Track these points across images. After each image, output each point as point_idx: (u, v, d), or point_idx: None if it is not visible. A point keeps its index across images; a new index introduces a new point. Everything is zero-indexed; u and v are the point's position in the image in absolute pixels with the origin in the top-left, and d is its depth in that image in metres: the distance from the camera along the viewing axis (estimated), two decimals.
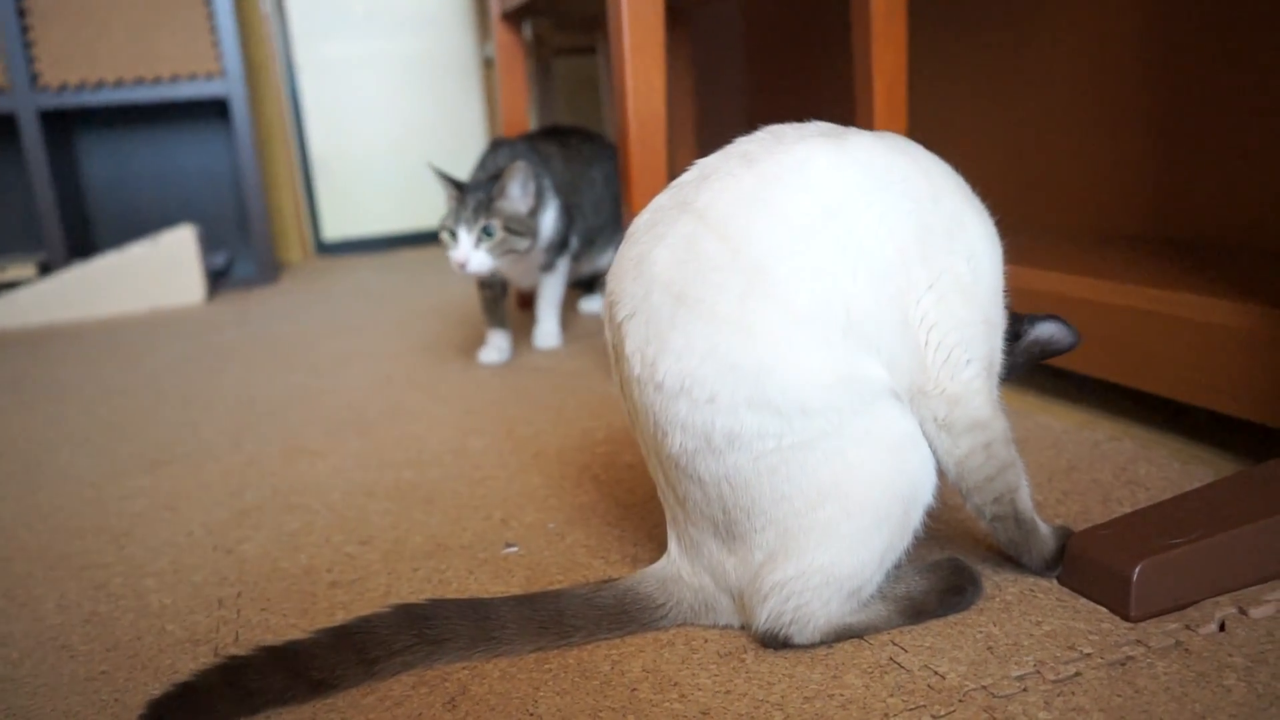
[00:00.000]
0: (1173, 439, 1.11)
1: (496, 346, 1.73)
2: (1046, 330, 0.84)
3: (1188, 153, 1.40)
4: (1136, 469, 1.02)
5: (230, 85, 2.76)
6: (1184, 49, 1.38)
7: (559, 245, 1.73)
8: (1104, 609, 0.76)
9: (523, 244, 1.57)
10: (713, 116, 2.65)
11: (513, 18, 2.07)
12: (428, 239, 3.51)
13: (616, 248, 1.87)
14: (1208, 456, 1.05)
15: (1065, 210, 1.62)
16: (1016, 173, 1.65)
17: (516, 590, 0.87)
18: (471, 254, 1.52)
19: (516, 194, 1.56)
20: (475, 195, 1.54)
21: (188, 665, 0.79)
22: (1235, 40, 1.31)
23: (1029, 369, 0.86)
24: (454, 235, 1.53)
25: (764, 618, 0.73)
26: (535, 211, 1.59)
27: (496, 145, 1.76)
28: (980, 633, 0.74)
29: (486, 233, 1.52)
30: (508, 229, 1.54)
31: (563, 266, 1.78)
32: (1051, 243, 1.48)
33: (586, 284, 2.14)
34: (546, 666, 0.74)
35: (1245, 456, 1.04)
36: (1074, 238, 1.52)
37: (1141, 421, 1.17)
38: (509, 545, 0.97)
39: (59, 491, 1.23)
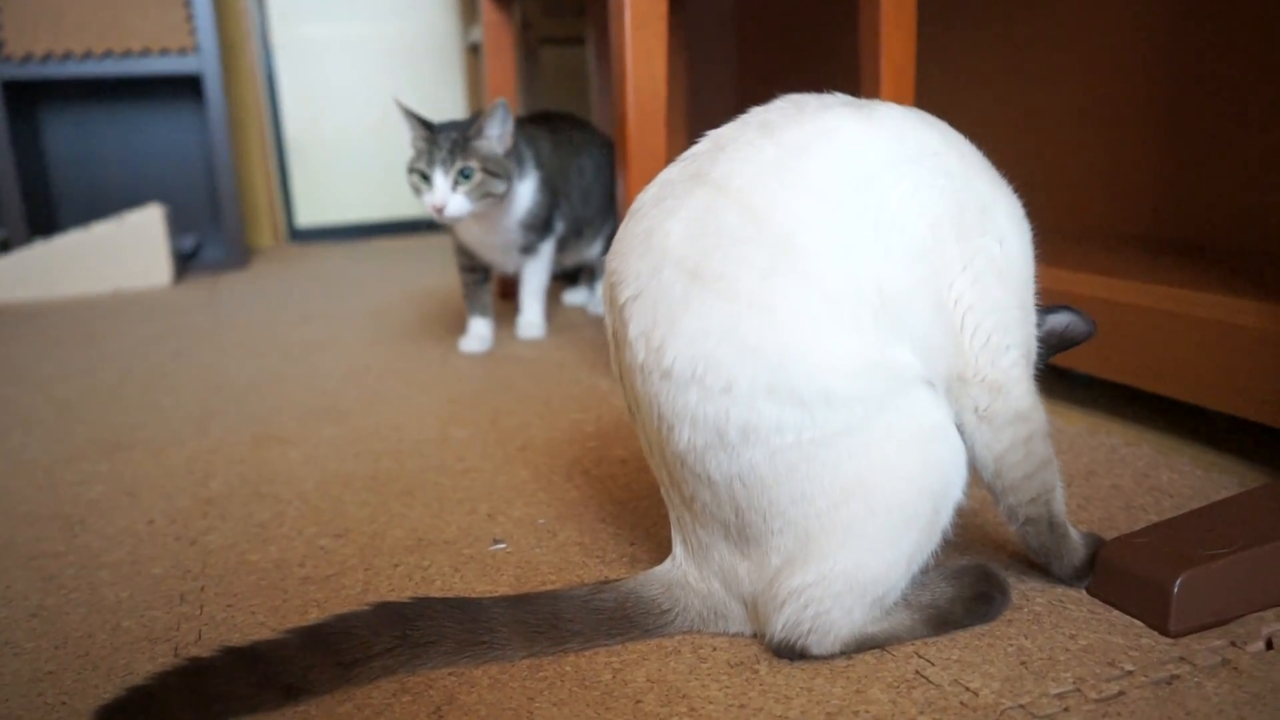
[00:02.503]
0: (1191, 444, 1.06)
1: (478, 335, 1.66)
2: (1061, 320, 0.79)
3: (1195, 151, 1.36)
4: (1158, 475, 0.98)
5: (204, 62, 2.66)
6: (1192, 46, 1.34)
7: (541, 225, 1.66)
8: (1140, 623, 0.71)
9: (500, 186, 1.49)
10: (704, 103, 2.60)
11: None
12: (404, 228, 3.42)
13: (605, 239, 1.83)
14: (1229, 463, 1.00)
15: (1070, 208, 1.58)
16: (1021, 169, 1.60)
17: (506, 590, 0.81)
18: (450, 197, 1.44)
19: (494, 133, 1.49)
20: (449, 135, 1.46)
21: (144, 666, 0.72)
22: (1244, 38, 1.27)
23: (1044, 362, 0.81)
24: (426, 178, 1.45)
25: (780, 626, 0.67)
26: (510, 153, 1.53)
27: None
28: (1011, 646, 0.69)
29: (464, 175, 1.45)
30: (486, 170, 1.47)
31: (546, 251, 1.71)
32: (1060, 240, 1.43)
33: (571, 276, 2.08)
34: (541, 674, 0.68)
35: (1269, 464, 1.00)
36: (1081, 236, 1.48)
37: (1155, 426, 1.12)
38: (497, 541, 0.90)
39: (9, 476, 1.15)
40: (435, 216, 1.46)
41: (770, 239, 0.63)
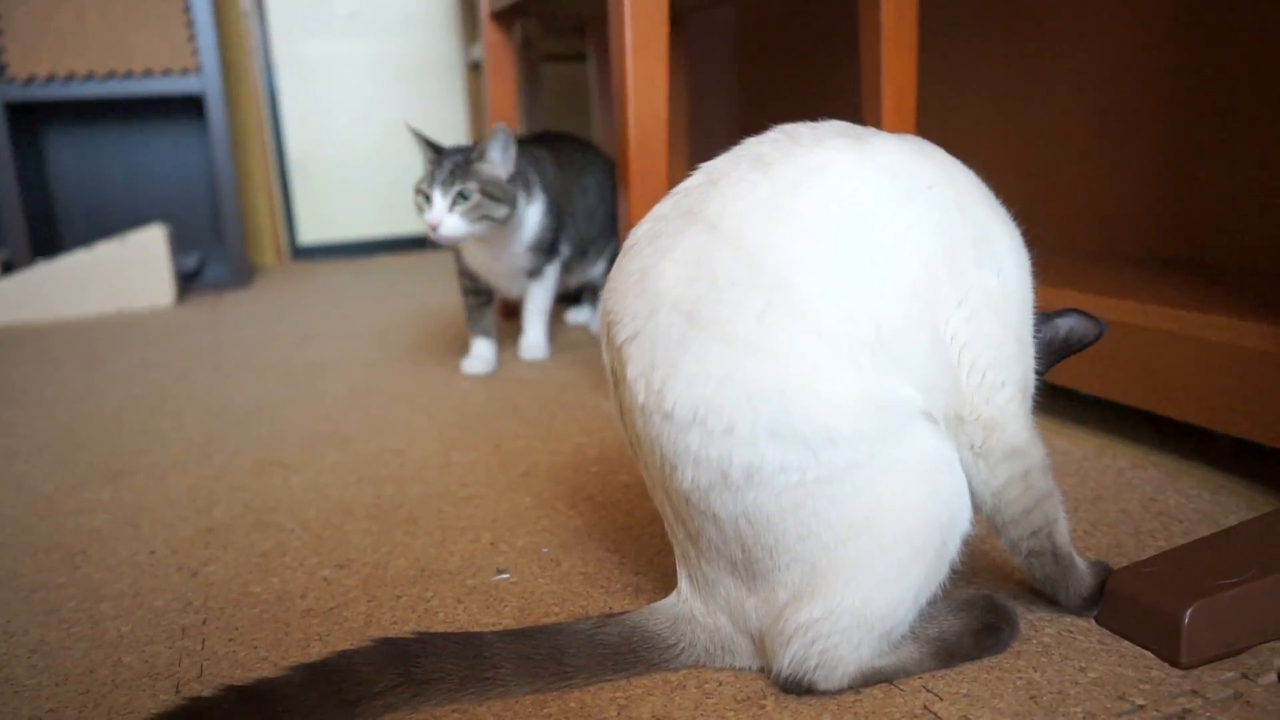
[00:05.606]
0: (1198, 467, 1.05)
1: (481, 357, 1.66)
2: (1067, 324, 0.77)
3: (1201, 170, 1.36)
4: (1165, 499, 0.97)
5: (206, 82, 2.67)
6: (1197, 64, 1.34)
7: (547, 249, 1.66)
8: (1150, 654, 0.70)
9: (500, 211, 1.50)
10: (705, 125, 2.60)
11: (502, 17, 2.01)
12: (407, 245, 3.43)
13: (609, 259, 1.83)
14: (1238, 487, 1.00)
15: (1074, 227, 1.57)
16: (1024, 188, 1.60)
17: (509, 622, 0.80)
18: (445, 217, 1.46)
19: (496, 157, 1.50)
20: (453, 158, 1.48)
21: (145, 704, 0.71)
22: (1250, 56, 1.27)
23: (1053, 366, 0.79)
24: (428, 198, 1.47)
25: (787, 661, 0.66)
26: (515, 179, 1.54)
27: None
28: (1020, 679, 0.68)
29: (462, 196, 1.46)
30: (485, 193, 1.48)
31: (551, 274, 1.71)
32: (1063, 260, 1.43)
33: (574, 295, 2.07)
34: (545, 711, 0.67)
35: (1277, 487, 0.99)
36: (1084, 255, 1.47)
37: (1162, 448, 1.12)
38: (500, 571, 0.90)
39: (10, 504, 1.15)
40: (430, 235, 1.47)
41: (765, 281, 0.63)
